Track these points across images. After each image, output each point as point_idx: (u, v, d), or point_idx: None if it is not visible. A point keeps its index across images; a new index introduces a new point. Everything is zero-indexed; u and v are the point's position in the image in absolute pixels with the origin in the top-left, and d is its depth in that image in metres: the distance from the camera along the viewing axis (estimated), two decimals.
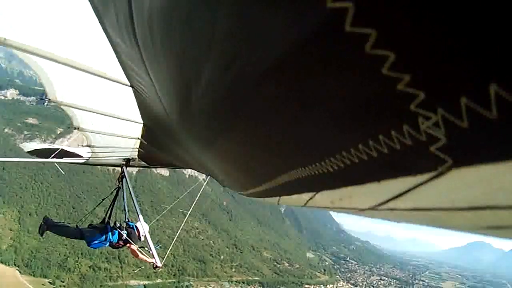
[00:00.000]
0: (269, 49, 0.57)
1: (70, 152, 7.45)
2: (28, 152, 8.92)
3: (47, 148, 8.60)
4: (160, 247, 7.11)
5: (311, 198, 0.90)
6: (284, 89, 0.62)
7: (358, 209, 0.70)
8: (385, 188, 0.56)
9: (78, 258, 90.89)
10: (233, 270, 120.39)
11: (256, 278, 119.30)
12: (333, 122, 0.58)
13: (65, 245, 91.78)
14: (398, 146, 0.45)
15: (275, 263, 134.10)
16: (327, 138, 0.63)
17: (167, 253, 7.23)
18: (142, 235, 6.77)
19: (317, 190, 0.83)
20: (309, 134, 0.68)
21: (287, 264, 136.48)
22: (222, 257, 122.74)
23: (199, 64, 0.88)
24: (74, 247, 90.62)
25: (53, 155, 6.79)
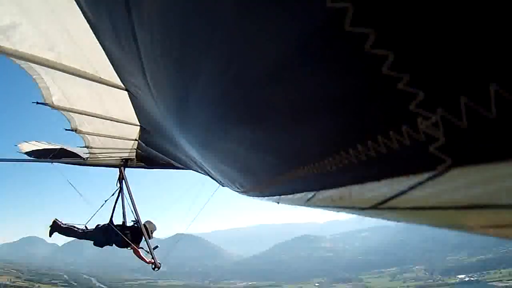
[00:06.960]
0: (269, 49, 0.57)
1: (70, 151, 7.26)
2: (25, 153, 7.95)
3: (47, 149, 7.87)
4: (158, 247, 7.17)
5: (311, 197, 0.90)
6: (284, 89, 0.62)
7: (359, 208, 0.70)
8: (386, 187, 0.56)
9: None
10: None
11: None
12: (332, 122, 0.57)
13: None
14: (397, 146, 0.45)
15: None
16: (327, 137, 0.63)
17: None
18: (150, 233, 6.93)
19: (317, 189, 0.83)
20: (309, 133, 0.67)
21: None
22: None
23: (198, 64, 0.88)
24: None
25: (51, 155, 6.67)
